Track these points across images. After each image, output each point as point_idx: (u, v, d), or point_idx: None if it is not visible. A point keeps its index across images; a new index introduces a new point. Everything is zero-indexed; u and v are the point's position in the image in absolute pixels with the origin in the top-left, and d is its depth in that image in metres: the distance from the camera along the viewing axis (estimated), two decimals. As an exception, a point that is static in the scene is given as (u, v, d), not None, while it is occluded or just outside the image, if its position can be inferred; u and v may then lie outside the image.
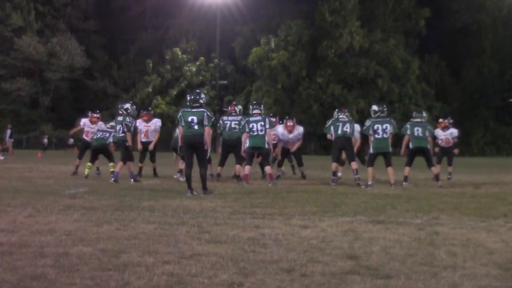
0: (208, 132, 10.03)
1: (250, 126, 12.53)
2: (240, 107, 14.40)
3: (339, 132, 12.90)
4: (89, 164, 13.91)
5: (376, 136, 12.17)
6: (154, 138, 14.35)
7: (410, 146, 12.52)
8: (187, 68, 61.45)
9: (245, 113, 14.42)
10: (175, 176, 13.68)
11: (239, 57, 60.24)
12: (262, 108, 13.10)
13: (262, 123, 12.50)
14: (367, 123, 12.41)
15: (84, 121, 15.28)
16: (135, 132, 13.66)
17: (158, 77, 62.16)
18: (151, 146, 14.32)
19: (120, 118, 12.87)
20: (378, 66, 54.17)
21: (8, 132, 32.45)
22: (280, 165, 15.45)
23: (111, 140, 13.93)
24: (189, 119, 9.95)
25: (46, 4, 66.32)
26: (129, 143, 12.85)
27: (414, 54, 57.46)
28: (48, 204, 7.88)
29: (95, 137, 14.13)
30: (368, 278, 4.02)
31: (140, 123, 14.16)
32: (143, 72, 63.48)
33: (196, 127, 9.91)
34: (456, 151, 15.19)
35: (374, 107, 12.77)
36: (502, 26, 58.67)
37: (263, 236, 5.62)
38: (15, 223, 6.18)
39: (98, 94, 66.02)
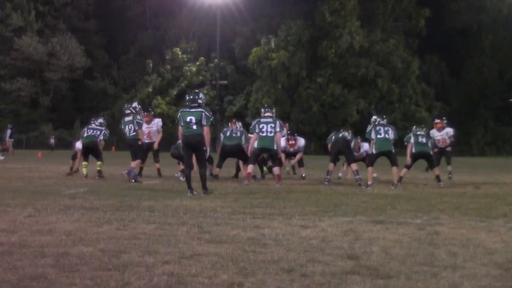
0: (206, 132, 10.06)
1: (260, 126, 12.55)
2: (240, 124, 14.61)
3: (339, 135, 13.44)
4: (85, 163, 13.93)
5: (379, 136, 12.25)
6: (157, 138, 14.41)
7: (413, 150, 12.64)
8: (187, 68, 61.46)
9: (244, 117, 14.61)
10: (176, 175, 13.70)
11: (239, 57, 60.24)
12: (273, 111, 13.19)
13: (273, 125, 12.52)
14: (369, 128, 12.55)
15: (79, 144, 15.17)
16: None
17: (158, 77, 62.17)
18: (155, 146, 14.42)
19: (129, 118, 12.96)
20: (378, 66, 54.17)
21: (8, 132, 32.45)
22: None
23: (101, 138, 14.02)
24: (188, 119, 9.97)
25: (46, 4, 66.35)
26: (142, 140, 13.06)
27: (414, 54, 57.44)
28: (48, 204, 7.88)
29: (85, 134, 14.15)
30: (368, 278, 4.03)
31: None
32: (143, 72, 63.50)
33: (194, 127, 9.93)
34: (448, 148, 15.14)
35: (374, 117, 13.11)
36: (502, 26, 58.64)
37: (263, 236, 5.63)
38: (15, 223, 6.18)
39: (98, 94, 66.04)
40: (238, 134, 13.82)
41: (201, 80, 61.10)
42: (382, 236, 5.73)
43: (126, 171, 12.62)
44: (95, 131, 14.06)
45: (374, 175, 12.95)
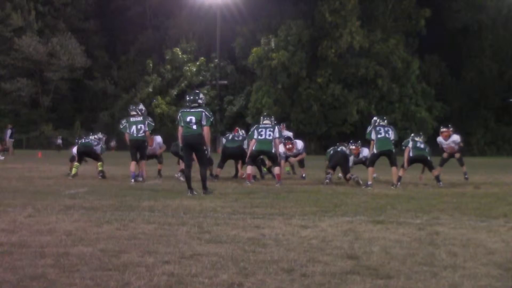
0: (206, 131, 10.07)
1: (259, 130, 12.68)
2: (243, 131, 14.71)
3: (338, 149, 13.69)
4: (76, 163, 13.96)
5: (379, 136, 12.28)
6: (159, 151, 14.77)
7: (411, 154, 12.73)
8: (187, 68, 61.42)
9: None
10: (176, 175, 13.72)
11: (239, 57, 60.19)
12: (272, 119, 13.34)
13: (271, 129, 12.68)
14: (369, 128, 12.61)
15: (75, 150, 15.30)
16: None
17: (158, 77, 62.15)
18: (157, 153, 14.78)
19: (137, 119, 12.91)
20: (378, 66, 54.13)
21: (9, 132, 32.44)
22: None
23: (98, 149, 14.09)
24: (188, 119, 10.00)
25: (46, 4, 66.33)
26: (150, 144, 13.34)
27: (414, 54, 57.40)
28: (48, 204, 7.89)
29: (81, 141, 14.40)
30: (368, 278, 4.03)
31: None
32: (143, 72, 63.48)
33: (194, 127, 9.96)
34: (457, 155, 15.06)
35: (374, 118, 13.15)
36: (502, 26, 58.60)
37: (263, 236, 5.63)
38: (15, 223, 6.18)
39: (98, 94, 66.05)
40: (240, 138, 13.95)
41: (201, 80, 61.06)
42: (382, 236, 5.74)
43: (140, 179, 12.79)
44: (92, 141, 14.23)
45: (374, 175, 12.97)
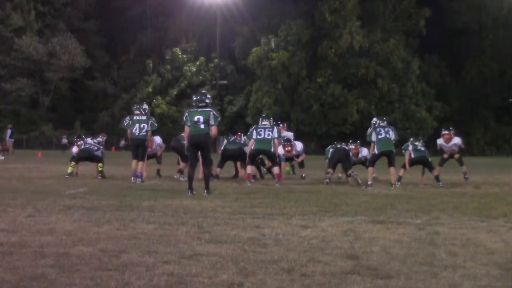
0: (215, 131, 10.14)
1: (258, 130, 12.76)
2: (245, 138, 14.77)
3: (338, 146, 13.92)
4: (73, 163, 13.97)
5: (380, 136, 12.31)
6: (159, 151, 14.80)
7: (412, 156, 12.79)
8: (187, 68, 61.46)
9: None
10: (175, 176, 13.71)
11: (239, 57, 60.25)
12: (271, 120, 13.45)
13: (270, 129, 12.77)
14: (369, 130, 12.66)
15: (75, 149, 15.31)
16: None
17: (158, 77, 62.19)
18: (158, 153, 14.83)
19: (140, 118, 12.91)
20: (378, 66, 54.17)
21: (9, 132, 32.42)
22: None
23: (98, 153, 14.10)
24: (195, 118, 10.01)
25: (46, 4, 66.35)
26: (150, 143, 13.34)
27: (414, 54, 57.45)
28: (48, 204, 7.88)
29: (81, 147, 14.42)
30: (368, 278, 4.03)
31: None
32: (143, 72, 63.54)
33: (202, 126, 9.98)
34: (456, 156, 15.03)
35: (374, 119, 13.19)
36: (502, 26, 58.61)
37: (263, 236, 5.63)
38: (15, 223, 6.18)
39: (98, 94, 66.09)
40: (242, 141, 13.97)
41: (201, 80, 61.12)
42: (382, 236, 5.74)
43: (139, 180, 12.70)
44: (92, 146, 14.24)
45: (374, 175, 12.97)
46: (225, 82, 59.21)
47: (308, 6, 56.39)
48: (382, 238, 5.58)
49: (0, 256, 4.52)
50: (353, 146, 14.45)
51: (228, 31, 57.84)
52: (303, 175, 15.02)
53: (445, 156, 14.73)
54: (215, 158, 14.53)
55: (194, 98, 10.46)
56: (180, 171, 13.64)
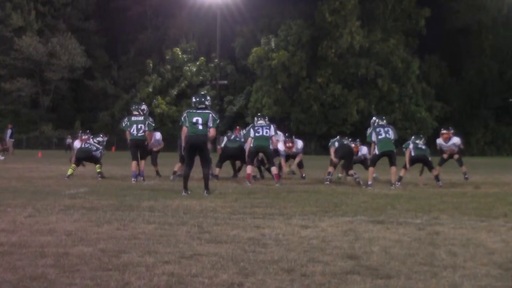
0: (213, 133, 10.18)
1: (256, 129, 12.88)
2: (244, 131, 14.76)
3: (344, 141, 13.95)
4: (73, 165, 13.97)
5: (380, 137, 12.28)
6: (156, 147, 14.76)
7: (412, 154, 12.84)
8: (187, 68, 61.47)
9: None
10: (171, 178, 13.60)
11: (239, 57, 60.25)
12: (266, 119, 13.54)
13: (268, 128, 12.91)
14: (369, 130, 12.61)
15: (77, 143, 15.32)
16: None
17: (158, 77, 62.19)
18: (155, 149, 14.81)
19: (138, 118, 12.96)
20: (378, 66, 54.18)
21: (9, 132, 32.39)
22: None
23: (97, 154, 14.08)
24: (194, 119, 10.02)
25: (46, 4, 66.35)
26: (149, 143, 13.35)
27: (414, 54, 57.48)
28: (48, 204, 7.88)
29: (81, 146, 14.48)
30: (368, 278, 4.03)
31: None
32: (143, 72, 63.53)
33: (200, 127, 9.98)
34: (455, 156, 15.01)
35: (374, 118, 13.13)
36: (502, 26, 58.64)
37: (263, 236, 5.63)
38: (15, 223, 6.18)
39: (98, 94, 66.08)
40: (242, 139, 13.95)
41: (201, 80, 61.13)
42: (382, 236, 5.73)
43: (141, 178, 12.86)
44: (91, 146, 14.28)
45: (374, 175, 12.97)
46: (225, 82, 59.16)
47: (308, 6, 56.42)
48: (382, 238, 5.58)
49: (0, 256, 4.52)
50: (352, 145, 14.46)
51: (228, 31, 57.85)
52: (303, 175, 15.04)
53: (445, 156, 14.73)
54: (214, 157, 14.54)
55: (194, 100, 10.47)
56: (175, 173, 13.63)
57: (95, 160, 14.05)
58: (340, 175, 15.02)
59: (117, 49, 68.10)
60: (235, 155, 14.16)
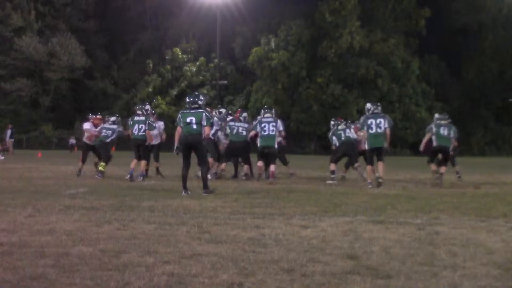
0: (208, 131, 10.32)
1: (262, 125, 13.05)
2: (245, 114, 14.74)
3: (345, 138, 13.79)
4: (102, 163, 13.97)
5: (370, 131, 12.02)
6: (156, 140, 14.53)
7: (434, 143, 12.62)
8: (187, 68, 61.44)
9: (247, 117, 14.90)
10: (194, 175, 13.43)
11: (239, 57, 60.22)
12: (273, 112, 13.67)
13: (274, 124, 13.04)
14: (361, 119, 12.42)
15: (87, 125, 15.14)
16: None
17: (158, 77, 62.15)
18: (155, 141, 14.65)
19: (140, 118, 13.21)
20: (378, 66, 54.18)
21: (9, 132, 32.42)
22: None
23: (113, 137, 14.04)
24: (188, 119, 10.11)
25: (46, 4, 66.28)
26: (148, 142, 13.36)
27: (414, 54, 57.49)
28: (48, 204, 7.88)
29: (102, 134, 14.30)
30: (368, 278, 4.03)
31: None
32: (143, 72, 63.49)
33: (194, 126, 10.06)
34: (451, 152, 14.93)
35: (368, 105, 12.70)
36: (502, 26, 58.67)
37: (263, 236, 5.63)
38: (15, 223, 6.18)
39: (98, 94, 66.02)
40: (244, 133, 13.84)
41: (201, 80, 61.09)
42: (382, 236, 5.74)
43: (141, 177, 13.01)
44: (107, 131, 14.19)
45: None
46: (225, 82, 59.15)
47: (308, 6, 56.40)
48: (382, 238, 5.58)
49: (0, 256, 4.52)
50: (353, 126, 14.37)
51: (228, 31, 57.84)
52: (292, 173, 15.06)
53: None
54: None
55: (187, 100, 10.60)
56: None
57: (104, 154, 14.08)
58: (343, 174, 14.85)
59: (117, 49, 68.03)
60: (239, 149, 13.96)
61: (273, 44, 54.78)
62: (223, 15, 56.06)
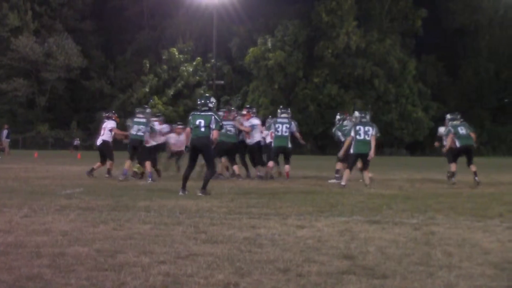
0: (216, 135, 10.26)
1: (276, 126, 13.55)
2: (238, 116, 14.80)
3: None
4: (137, 165, 13.97)
5: (358, 137, 11.95)
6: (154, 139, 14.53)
7: (458, 145, 12.69)
8: (184, 68, 61.37)
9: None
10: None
11: (236, 57, 60.19)
12: (289, 111, 14.18)
13: (288, 125, 13.59)
14: (349, 126, 12.39)
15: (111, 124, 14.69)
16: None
17: (155, 77, 62.05)
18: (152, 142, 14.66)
19: (141, 120, 13.33)
20: (374, 66, 54.21)
21: (5, 132, 32.38)
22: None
23: (147, 134, 13.39)
24: (197, 122, 10.16)
25: (42, 4, 66.10)
26: (148, 143, 13.39)
27: (411, 54, 57.53)
28: (44, 204, 7.87)
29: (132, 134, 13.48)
30: (364, 278, 4.03)
31: None
32: (139, 72, 63.36)
33: (202, 129, 10.07)
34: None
35: (356, 113, 12.72)
36: (498, 27, 58.76)
37: (259, 236, 5.63)
38: (11, 224, 6.17)
39: (95, 94, 65.88)
40: (233, 132, 13.89)
41: (198, 80, 61.04)
42: (378, 236, 5.74)
43: (149, 180, 12.84)
44: (141, 131, 13.33)
45: (370, 175, 12.85)
46: (222, 82, 59.09)
47: (305, 6, 56.43)
48: (378, 238, 5.59)
49: (-4, 257, 4.51)
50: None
51: (225, 31, 57.82)
52: (259, 174, 14.49)
53: (445, 150, 14.17)
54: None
55: (198, 102, 10.67)
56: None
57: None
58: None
59: (113, 49, 67.89)
60: (231, 150, 14.04)
61: (269, 44, 54.77)
62: (219, 15, 56.04)
